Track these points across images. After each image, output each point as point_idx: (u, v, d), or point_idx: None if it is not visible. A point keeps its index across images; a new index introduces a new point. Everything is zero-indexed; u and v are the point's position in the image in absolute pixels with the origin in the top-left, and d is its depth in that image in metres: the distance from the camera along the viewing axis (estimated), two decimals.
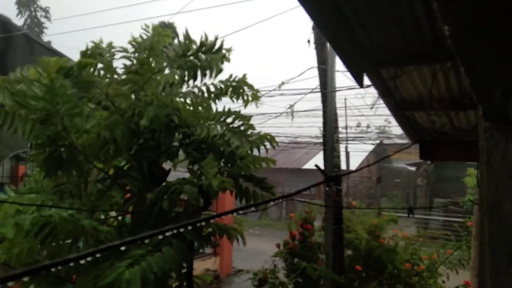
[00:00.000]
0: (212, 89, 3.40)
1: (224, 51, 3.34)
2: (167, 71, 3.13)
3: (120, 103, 2.91)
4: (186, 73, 3.20)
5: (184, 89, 3.39)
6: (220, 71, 3.33)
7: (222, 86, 3.41)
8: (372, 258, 7.23)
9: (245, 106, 3.49)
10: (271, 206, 18.48)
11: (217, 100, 3.45)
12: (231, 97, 3.43)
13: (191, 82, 3.31)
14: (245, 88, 3.43)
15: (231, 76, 3.43)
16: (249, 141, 2.92)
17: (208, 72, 3.27)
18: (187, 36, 3.28)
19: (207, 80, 3.32)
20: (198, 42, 3.27)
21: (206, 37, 3.29)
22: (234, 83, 3.40)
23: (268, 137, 3.06)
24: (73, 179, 2.89)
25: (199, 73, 3.27)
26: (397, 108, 3.36)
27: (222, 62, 3.34)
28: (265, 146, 3.06)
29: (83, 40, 3.12)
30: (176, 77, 3.10)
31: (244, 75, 3.44)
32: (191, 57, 3.21)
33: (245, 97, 3.46)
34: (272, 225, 19.73)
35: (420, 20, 1.92)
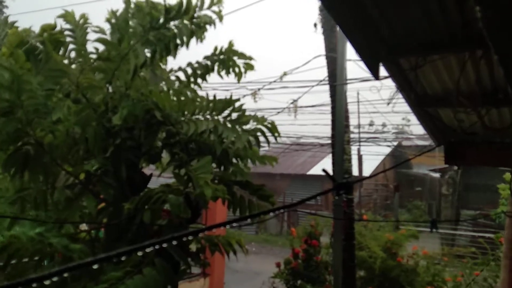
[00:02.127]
0: (198, 69, 3.32)
1: (207, 10, 3.13)
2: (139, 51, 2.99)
3: (93, 96, 2.90)
4: (157, 48, 3.01)
5: (165, 72, 3.32)
6: (201, 33, 3.12)
7: (209, 62, 3.33)
8: (389, 280, 7.26)
9: (239, 80, 3.42)
10: (270, 218, 18.48)
11: (203, 81, 3.38)
12: (219, 73, 3.34)
13: (174, 63, 3.21)
14: (235, 58, 3.33)
15: (216, 48, 3.32)
16: (246, 131, 2.87)
17: (180, 43, 3.07)
18: (149, 2, 3.08)
19: (189, 54, 3.18)
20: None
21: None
22: (221, 56, 3.31)
23: (268, 124, 3.01)
24: (38, 185, 2.87)
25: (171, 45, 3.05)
26: (419, 104, 3.37)
27: (211, 23, 3.15)
28: (266, 136, 2.99)
29: (50, 21, 3.10)
30: (146, 55, 2.98)
31: (230, 42, 3.32)
32: (160, 28, 3.03)
33: (237, 69, 3.36)
34: (271, 240, 19.73)
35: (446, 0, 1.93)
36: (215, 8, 3.14)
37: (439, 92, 3.26)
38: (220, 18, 3.17)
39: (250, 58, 3.37)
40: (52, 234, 2.52)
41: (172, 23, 3.07)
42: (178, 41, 3.04)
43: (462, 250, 9.42)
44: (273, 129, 3.02)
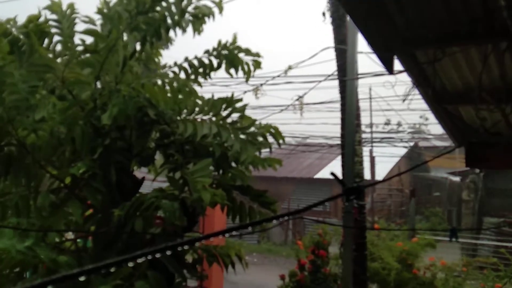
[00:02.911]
0: (197, 64, 3.33)
1: (207, 4, 3.13)
2: (125, 38, 3.00)
3: (80, 92, 2.90)
4: (146, 34, 2.98)
5: (159, 66, 3.31)
6: (182, 14, 3.06)
7: (211, 58, 3.33)
8: None
9: (247, 79, 3.44)
10: (274, 226, 18.48)
11: (204, 79, 3.38)
12: (227, 70, 3.35)
13: (170, 59, 3.20)
14: (241, 55, 3.34)
15: (219, 43, 3.33)
16: (254, 142, 2.89)
17: (171, 25, 3.03)
18: None
19: (185, 49, 3.15)
20: None
21: None
22: (224, 51, 3.32)
23: (272, 130, 3.02)
24: (20, 189, 2.88)
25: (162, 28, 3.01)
26: (437, 100, 3.37)
27: (210, 15, 3.14)
28: (270, 146, 3.02)
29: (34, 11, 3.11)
30: (135, 44, 2.96)
31: (235, 36, 3.32)
32: (148, 13, 3.00)
33: (246, 67, 3.37)
34: (274, 251, 19.73)
35: None
36: None
37: (460, 88, 3.26)
38: (220, 9, 3.17)
39: (258, 55, 3.38)
40: (41, 247, 2.51)
41: (160, 5, 3.04)
42: (169, 22, 3.01)
43: (484, 260, 9.40)
44: (277, 135, 3.04)
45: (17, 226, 2.68)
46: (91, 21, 3.16)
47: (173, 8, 3.03)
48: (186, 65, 3.36)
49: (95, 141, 2.89)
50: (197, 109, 2.98)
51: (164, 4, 3.03)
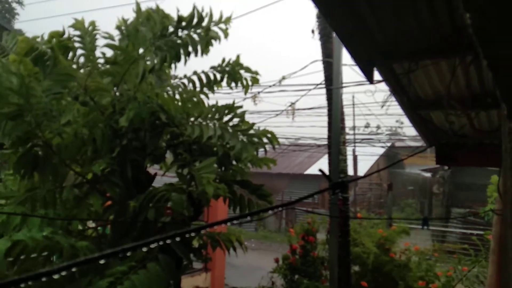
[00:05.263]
0: (204, 78, 3.35)
1: (215, 26, 3.13)
2: (147, 57, 3.00)
3: (101, 99, 2.89)
4: (167, 55, 3.00)
5: (170, 77, 3.32)
6: (206, 46, 3.12)
7: (215, 73, 3.34)
8: (382, 275, 7.25)
9: (245, 92, 3.45)
10: (269, 216, 18.45)
11: (210, 91, 3.39)
12: (228, 84, 3.36)
13: (178, 71, 3.24)
14: (241, 72, 3.36)
15: (223, 60, 3.35)
16: (253, 142, 2.90)
17: (192, 50, 3.07)
18: (161, 12, 3.08)
19: (193, 60, 3.16)
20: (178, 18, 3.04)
21: (197, 12, 3.04)
22: (227, 68, 3.34)
23: (269, 134, 3.03)
24: (47, 185, 2.87)
25: (182, 52, 3.05)
26: (411, 107, 3.37)
27: (216, 39, 3.16)
28: (265, 147, 3.05)
29: (60, 28, 3.10)
30: (155, 61, 2.97)
31: (238, 56, 3.36)
32: (171, 36, 3.03)
33: (244, 82, 3.38)
34: (270, 237, 19.72)
35: (438, 7, 1.93)
36: (222, 25, 3.15)
37: (431, 96, 3.26)
38: (226, 35, 3.18)
39: (256, 73, 3.41)
40: (59, 234, 2.50)
41: (182, 32, 3.07)
42: (190, 49, 3.05)
43: (452, 246, 9.41)
44: (273, 139, 3.05)
45: (44, 216, 2.67)
46: (110, 37, 3.15)
47: (195, 36, 3.06)
48: (194, 77, 3.37)
49: (113, 142, 2.88)
50: (202, 114, 2.98)
51: (185, 32, 3.06)
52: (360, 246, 7.54)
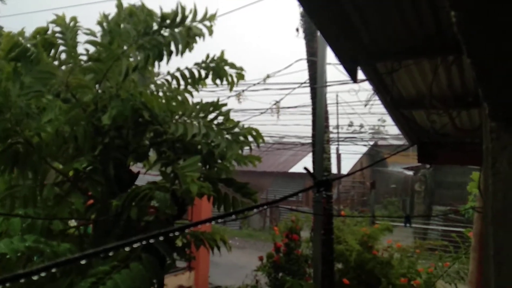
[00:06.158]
0: (188, 75, 3.31)
1: (199, 23, 3.11)
2: (130, 54, 2.97)
3: (82, 96, 2.85)
4: (150, 54, 2.94)
5: (153, 74, 3.29)
6: (187, 46, 3.08)
7: (200, 70, 3.30)
8: (365, 272, 7.31)
9: (231, 88, 3.42)
10: (253, 214, 18.46)
11: (194, 89, 3.36)
12: (213, 81, 3.33)
13: (162, 68, 3.21)
14: (226, 68, 3.32)
15: (207, 56, 3.31)
16: (238, 140, 2.89)
17: (174, 49, 3.02)
18: (145, 10, 3.03)
19: (176, 59, 3.14)
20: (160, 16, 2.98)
21: (181, 10, 2.99)
22: (211, 64, 3.30)
23: (254, 132, 3.03)
24: (28, 182, 2.82)
25: (165, 52, 2.99)
26: (394, 106, 3.40)
27: (200, 36, 3.12)
28: (250, 146, 3.04)
29: (43, 23, 3.04)
30: (139, 58, 2.95)
31: (222, 52, 3.32)
32: (155, 35, 2.98)
33: (229, 78, 3.35)
34: (254, 235, 19.73)
35: (422, 7, 1.94)
36: (206, 22, 3.12)
37: (413, 95, 3.29)
38: (210, 32, 3.15)
39: (241, 69, 3.37)
40: (41, 243, 2.44)
41: (165, 30, 3.02)
42: (173, 48, 3.00)
43: (433, 243, 9.55)
44: (258, 137, 3.04)
45: (24, 215, 2.62)
46: (92, 33, 3.10)
47: (178, 36, 3.00)
48: (178, 74, 3.33)
49: (95, 139, 2.84)
50: (186, 112, 2.96)
51: (168, 30, 3.00)
52: (344, 244, 7.60)
